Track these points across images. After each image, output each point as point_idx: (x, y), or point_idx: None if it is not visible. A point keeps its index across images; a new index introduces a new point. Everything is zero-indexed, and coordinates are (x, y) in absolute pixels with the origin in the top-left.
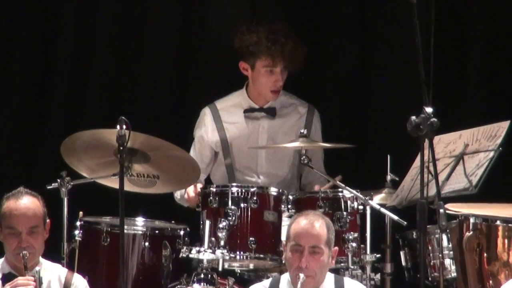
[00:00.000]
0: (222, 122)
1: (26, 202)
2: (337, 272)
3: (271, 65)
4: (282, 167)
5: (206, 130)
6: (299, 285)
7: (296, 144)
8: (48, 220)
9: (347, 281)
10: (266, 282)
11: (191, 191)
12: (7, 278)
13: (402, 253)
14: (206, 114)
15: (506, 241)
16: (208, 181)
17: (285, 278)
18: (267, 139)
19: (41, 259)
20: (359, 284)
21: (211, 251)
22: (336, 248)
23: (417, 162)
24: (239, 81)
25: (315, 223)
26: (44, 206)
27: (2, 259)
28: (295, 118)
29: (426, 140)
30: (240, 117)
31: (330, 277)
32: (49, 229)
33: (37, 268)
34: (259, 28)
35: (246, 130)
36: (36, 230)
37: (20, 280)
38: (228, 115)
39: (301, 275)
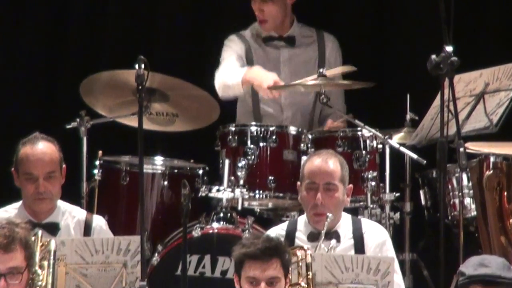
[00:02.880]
0: (251, 46)
1: (43, 148)
2: (356, 211)
3: None
4: (304, 95)
5: (236, 46)
6: (326, 224)
7: (314, 82)
8: (64, 166)
9: (365, 222)
10: (284, 225)
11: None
12: None
13: (421, 192)
14: (234, 36)
15: None
16: (231, 119)
17: (302, 219)
18: (288, 69)
19: (59, 203)
20: (376, 224)
21: (230, 190)
22: (351, 185)
23: (437, 101)
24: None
25: (328, 161)
26: (60, 151)
27: (19, 203)
28: (314, 48)
29: (446, 79)
30: (261, 45)
31: (347, 218)
32: (65, 174)
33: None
34: None
35: (267, 58)
36: (53, 175)
37: None
38: (253, 42)
39: (329, 215)
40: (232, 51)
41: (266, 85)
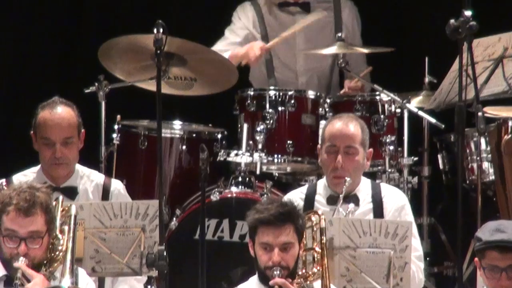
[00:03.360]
0: (263, 14)
1: (61, 112)
2: (374, 175)
3: None
4: (321, 60)
5: (244, 17)
6: (344, 187)
7: (334, 48)
8: (82, 130)
9: (384, 186)
10: (303, 188)
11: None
12: None
13: (439, 156)
14: (246, 4)
15: None
16: (247, 84)
17: (321, 183)
18: (303, 35)
19: (78, 167)
20: (395, 189)
21: (249, 154)
22: (371, 150)
23: (455, 65)
24: None
25: (349, 124)
26: (79, 116)
27: (38, 167)
28: (330, 14)
29: (465, 44)
30: (275, 12)
31: (366, 182)
32: (83, 138)
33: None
34: None
35: (280, 25)
36: (71, 141)
37: None
38: (266, 9)
39: (347, 178)
40: (234, 28)
41: (256, 48)
